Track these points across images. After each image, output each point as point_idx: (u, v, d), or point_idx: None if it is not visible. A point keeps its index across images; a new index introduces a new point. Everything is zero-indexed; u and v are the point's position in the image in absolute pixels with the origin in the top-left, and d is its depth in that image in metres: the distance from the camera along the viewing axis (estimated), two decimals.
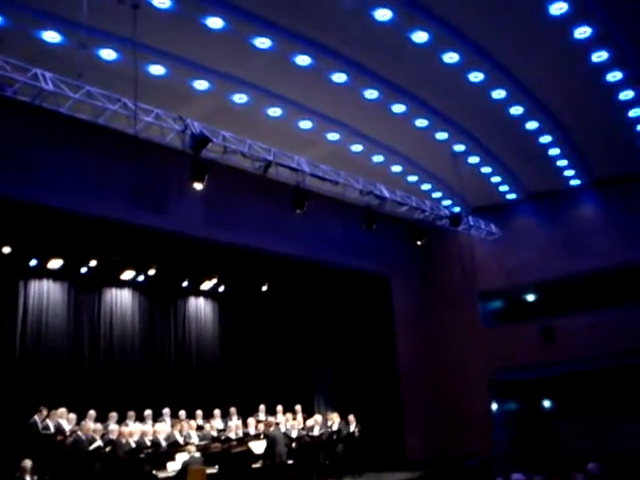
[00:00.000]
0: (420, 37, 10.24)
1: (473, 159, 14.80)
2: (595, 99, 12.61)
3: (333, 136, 13.08)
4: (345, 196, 13.66)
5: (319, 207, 13.89)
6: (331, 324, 17.48)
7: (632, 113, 13.11)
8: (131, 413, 12.22)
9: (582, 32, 10.41)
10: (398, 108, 12.35)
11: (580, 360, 15.77)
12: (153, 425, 12.11)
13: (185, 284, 15.63)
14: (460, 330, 17.31)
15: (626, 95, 12.46)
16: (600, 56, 11.10)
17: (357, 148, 13.68)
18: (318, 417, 14.07)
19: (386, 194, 13.64)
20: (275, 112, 11.94)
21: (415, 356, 17.16)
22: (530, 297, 17.47)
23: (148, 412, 12.55)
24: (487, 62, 11.21)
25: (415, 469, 14.71)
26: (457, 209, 15.77)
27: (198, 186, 10.41)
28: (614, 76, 11.78)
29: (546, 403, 17.21)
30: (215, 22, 9.40)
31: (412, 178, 15.36)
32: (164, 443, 11.50)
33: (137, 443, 11.02)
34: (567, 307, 16.53)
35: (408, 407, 16.42)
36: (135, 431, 11.31)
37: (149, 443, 11.25)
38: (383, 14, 9.67)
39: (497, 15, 10.07)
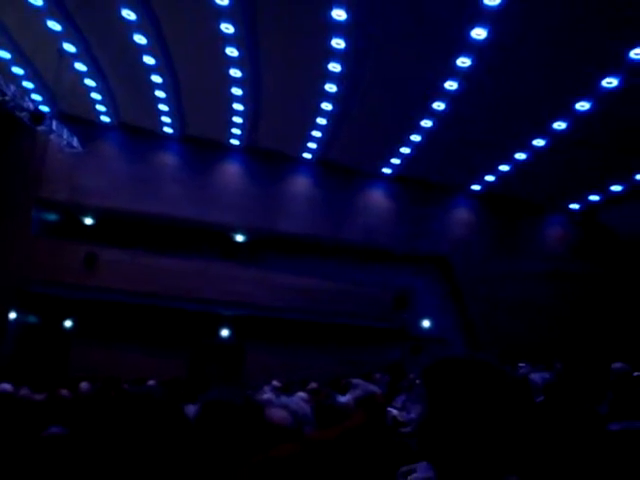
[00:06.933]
0: None
1: (80, 66, 14.04)
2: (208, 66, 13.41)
3: None
4: None
5: None
6: None
7: (234, 90, 14.34)
8: None
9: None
10: None
11: (114, 291, 16.51)
12: None
13: None
14: (5, 230, 16.17)
15: (235, 73, 13.56)
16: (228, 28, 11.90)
17: None
18: None
19: None
20: None
21: None
22: (88, 220, 17.46)
23: None
24: None
25: None
26: (44, 108, 14.72)
27: None
28: (232, 51, 12.74)
29: (68, 323, 17.44)
30: None
31: (4, 54, 13.73)
32: None
33: None
34: (116, 241, 17.02)
35: None
36: None
37: None
38: None
39: None
